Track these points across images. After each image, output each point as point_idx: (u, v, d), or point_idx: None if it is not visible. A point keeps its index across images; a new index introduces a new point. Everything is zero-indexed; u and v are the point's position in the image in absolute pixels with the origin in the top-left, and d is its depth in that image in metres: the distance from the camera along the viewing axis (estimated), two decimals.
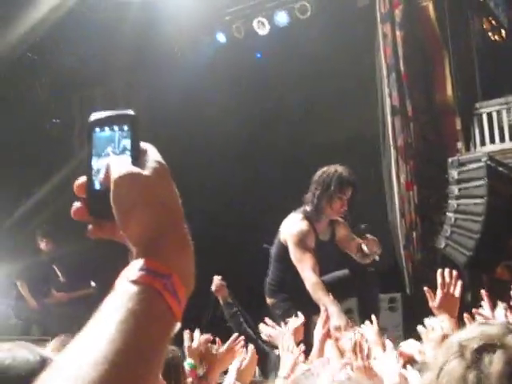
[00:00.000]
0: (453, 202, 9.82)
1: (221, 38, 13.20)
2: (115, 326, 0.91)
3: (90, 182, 1.09)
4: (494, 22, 15.11)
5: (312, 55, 12.55)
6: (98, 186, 1.08)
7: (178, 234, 1.03)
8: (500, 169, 10.73)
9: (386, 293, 9.81)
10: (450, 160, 11.51)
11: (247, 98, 13.64)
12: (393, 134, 11.28)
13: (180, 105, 13.06)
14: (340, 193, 6.17)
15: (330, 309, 5.39)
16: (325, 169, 6.46)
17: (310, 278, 5.87)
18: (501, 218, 9.86)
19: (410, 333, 5.38)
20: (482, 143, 11.52)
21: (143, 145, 1.10)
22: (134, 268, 0.98)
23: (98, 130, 1.11)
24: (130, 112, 1.12)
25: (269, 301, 6.54)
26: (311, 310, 5.71)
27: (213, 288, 6.54)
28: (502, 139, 11.94)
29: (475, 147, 11.66)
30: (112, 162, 1.06)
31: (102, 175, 1.07)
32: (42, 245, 10.93)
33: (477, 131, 12.16)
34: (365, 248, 6.14)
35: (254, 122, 13.94)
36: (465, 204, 9.61)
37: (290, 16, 12.38)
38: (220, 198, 13.64)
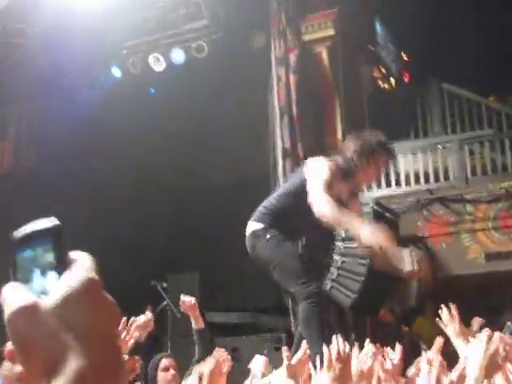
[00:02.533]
0: (339, 245, 9.97)
1: (116, 72, 13.11)
2: None
3: None
4: (384, 70, 15.58)
5: (206, 94, 12.61)
6: None
7: (79, 364, 0.90)
8: (386, 214, 11.02)
9: (272, 332, 9.89)
10: None
11: (141, 133, 13.58)
12: (283, 176, 11.42)
13: (73, 137, 12.87)
14: (382, 160, 5.85)
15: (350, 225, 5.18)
16: (363, 132, 6.25)
17: (330, 212, 5.27)
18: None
19: None
20: (369, 188, 11.78)
21: (74, 255, 0.99)
22: None
23: (20, 250, 1.00)
24: (53, 223, 1.01)
25: (254, 225, 6.00)
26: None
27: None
28: (389, 185, 12.25)
29: (363, 192, 11.92)
30: (3, 294, 0.95)
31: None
32: None
33: None
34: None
35: (148, 158, 13.88)
36: (351, 247, 9.77)
37: (186, 54, 12.43)
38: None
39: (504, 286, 12.57)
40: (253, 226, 5.99)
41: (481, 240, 11.78)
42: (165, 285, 10.97)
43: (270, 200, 6.08)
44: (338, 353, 3.40)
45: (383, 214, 10.88)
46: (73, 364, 0.88)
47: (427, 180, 12.33)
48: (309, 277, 5.74)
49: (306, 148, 11.74)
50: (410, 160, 12.52)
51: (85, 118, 12.69)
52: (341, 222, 5.26)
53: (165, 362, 6.21)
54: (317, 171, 5.60)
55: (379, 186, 12.17)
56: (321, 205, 5.34)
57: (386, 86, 15.72)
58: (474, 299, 13.48)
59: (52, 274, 0.98)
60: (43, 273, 0.99)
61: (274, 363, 6.72)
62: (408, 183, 12.38)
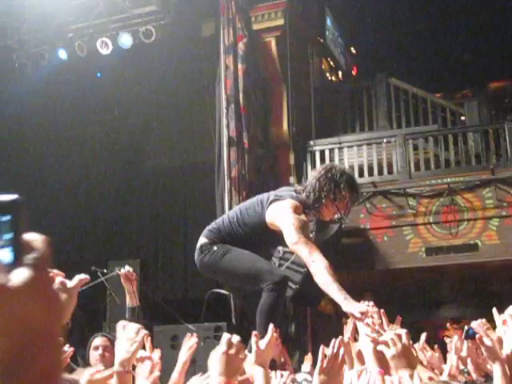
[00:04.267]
0: None
1: (62, 54, 12.92)
2: None
3: None
4: (332, 63, 15.64)
5: (154, 79, 12.52)
6: None
7: (41, 366, 0.89)
8: None
9: (212, 321, 9.86)
10: None
11: (86, 117, 13.44)
12: (228, 165, 11.40)
13: (14, 118, 12.69)
14: (346, 195, 5.63)
15: (342, 300, 4.84)
16: (329, 166, 5.87)
17: (320, 259, 5.11)
18: (326, 253, 10.12)
19: None
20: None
21: (30, 236, 0.96)
22: None
23: None
24: (13, 199, 0.97)
25: (202, 240, 5.84)
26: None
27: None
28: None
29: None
30: None
31: None
32: None
33: (309, 167, 12.49)
34: None
35: (91, 142, 13.76)
36: None
37: (134, 39, 12.30)
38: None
39: (443, 280, 12.76)
40: (200, 241, 5.92)
41: (422, 234, 11.92)
42: (105, 270, 10.83)
43: (222, 221, 6.01)
44: (331, 359, 3.37)
45: None
46: (27, 366, 0.86)
47: (371, 173, 12.43)
48: (269, 267, 5.78)
49: (251, 137, 11.73)
50: (355, 153, 12.60)
51: (30, 97, 12.50)
52: (327, 284, 5.01)
53: (96, 341, 6.14)
54: (290, 218, 5.43)
55: None
56: (313, 259, 5.15)
57: (334, 78, 15.79)
58: (414, 292, 13.67)
59: (6, 252, 0.94)
60: None
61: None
62: None
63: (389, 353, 3.13)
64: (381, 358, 3.37)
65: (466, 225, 11.75)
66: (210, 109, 12.32)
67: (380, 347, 3.21)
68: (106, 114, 13.91)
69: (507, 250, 11.42)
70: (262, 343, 3.61)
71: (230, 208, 11.19)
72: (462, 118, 13.84)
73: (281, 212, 5.58)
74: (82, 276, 2.66)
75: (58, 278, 2.44)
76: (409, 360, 3.11)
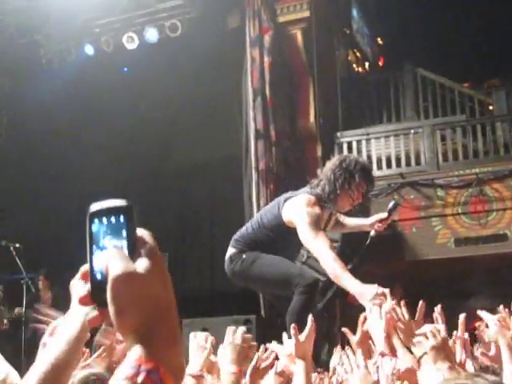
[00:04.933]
0: None
1: (89, 50, 12.98)
2: None
3: (91, 272, 1.20)
4: (358, 54, 15.58)
5: (180, 74, 12.51)
6: (99, 277, 1.18)
7: (167, 329, 1.14)
8: None
9: (242, 314, 9.87)
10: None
11: (113, 112, 13.48)
12: (255, 157, 11.39)
13: (43, 114, 12.77)
14: (361, 184, 5.70)
15: (353, 287, 4.93)
16: (343, 157, 5.98)
17: (326, 254, 5.24)
18: (355, 245, 10.11)
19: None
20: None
21: (139, 232, 1.20)
22: (128, 365, 1.10)
23: (96, 220, 1.20)
24: (126, 203, 1.21)
25: (230, 251, 6.00)
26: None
27: None
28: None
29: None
30: (110, 259, 1.15)
31: (103, 270, 1.16)
32: None
33: None
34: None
35: (119, 137, 13.79)
36: None
37: (160, 33, 12.33)
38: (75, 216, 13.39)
39: (472, 271, 12.67)
40: (229, 251, 6.02)
41: (450, 225, 11.85)
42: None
43: (246, 229, 6.12)
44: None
45: None
46: (153, 332, 1.12)
47: (399, 164, 12.38)
48: (300, 270, 5.80)
49: (278, 130, 11.72)
50: (382, 144, 12.56)
51: (57, 92, 12.56)
52: (337, 275, 5.10)
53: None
54: (302, 214, 5.52)
55: None
56: (321, 254, 5.29)
57: (360, 69, 15.72)
58: (443, 284, 13.60)
59: (124, 245, 1.17)
60: (114, 245, 1.18)
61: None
62: (380, 167, 12.42)
63: (428, 344, 3.13)
64: (390, 342, 3.42)
65: (495, 215, 11.67)
66: (236, 102, 12.31)
67: (417, 339, 3.21)
68: (132, 109, 13.94)
69: None
70: (302, 336, 3.63)
71: (258, 201, 11.21)
72: (490, 107, 13.74)
73: (295, 209, 5.66)
74: None
75: None
76: (446, 353, 3.11)
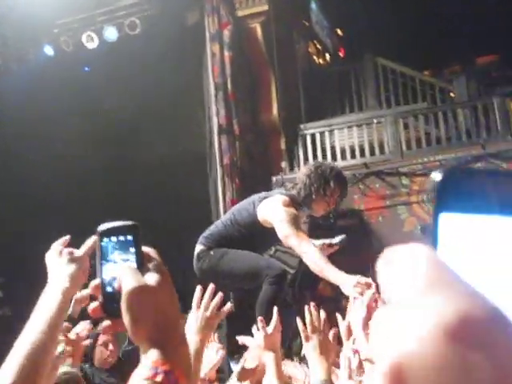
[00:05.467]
0: None
1: (48, 50, 12.89)
2: None
3: (102, 285, 1.31)
4: (319, 46, 15.62)
5: (141, 71, 12.47)
6: (109, 289, 1.30)
7: (177, 335, 1.28)
8: None
9: None
10: (274, 178, 11.80)
11: (75, 112, 13.39)
12: (219, 152, 11.41)
13: (4, 117, 12.65)
14: (336, 190, 5.75)
15: (339, 278, 4.88)
16: (318, 163, 6.07)
17: (309, 250, 5.24)
18: (321, 236, 10.14)
19: (233, 346, 5.43)
20: (305, 163, 11.82)
21: (145, 249, 1.33)
22: (145, 368, 1.21)
23: (105, 239, 1.33)
24: (133, 224, 1.35)
25: (198, 248, 5.97)
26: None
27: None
28: (325, 159, 12.32)
29: (299, 167, 11.94)
30: (122, 274, 1.27)
31: (115, 284, 1.28)
32: None
33: (300, 151, 12.49)
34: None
35: (81, 136, 13.70)
36: None
37: (119, 31, 12.28)
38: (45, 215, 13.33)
39: None
40: (197, 249, 6.01)
41: (416, 212, 11.92)
42: None
43: (216, 226, 6.14)
44: (312, 323, 3.57)
45: None
46: (165, 339, 1.24)
47: (363, 154, 12.43)
48: (268, 262, 5.81)
49: (241, 124, 11.73)
50: (346, 134, 12.60)
51: (17, 95, 12.45)
52: (322, 268, 5.10)
53: (104, 336, 6.12)
54: (280, 212, 5.55)
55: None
56: (304, 250, 5.28)
57: (321, 61, 15.76)
58: None
59: (133, 261, 1.30)
60: (123, 260, 1.30)
61: None
62: (344, 157, 12.47)
63: None
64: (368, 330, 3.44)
65: None
66: (198, 97, 12.30)
67: None
68: (95, 109, 13.85)
69: None
70: (269, 328, 3.64)
71: (224, 196, 11.22)
72: (451, 94, 13.85)
73: (271, 207, 5.68)
74: (92, 239, 2.41)
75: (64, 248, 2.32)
76: None
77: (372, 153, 12.41)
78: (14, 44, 12.78)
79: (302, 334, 3.57)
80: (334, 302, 12.64)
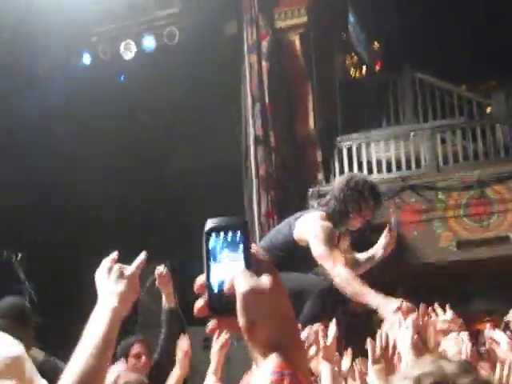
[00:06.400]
0: None
1: (86, 58, 12.97)
2: None
3: (209, 284, 1.25)
4: (356, 58, 15.58)
5: (177, 81, 12.50)
6: (216, 289, 1.25)
7: (295, 337, 1.25)
8: None
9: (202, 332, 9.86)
10: (310, 191, 11.76)
11: (110, 122, 13.44)
12: (255, 164, 11.39)
13: (39, 124, 12.75)
14: (371, 203, 5.63)
15: (377, 301, 4.77)
16: (349, 176, 5.93)
17: (342, 272, 5.12)
18: (356, 250, 10.08)
19: None
20: (341, 175, 11.78)
21: (252, 247, 1.27)
22: (268, 371, 1.18)
23: (214, 235, 1.26)
24: (243, 219, 1.28)
25: None
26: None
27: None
28: (360, 172, 12.28)
29: (335, 179, 11.91)
30: (236, 276, 1.23)
31: (227, 285, 1.23)
32: None
33: (337, 164, 12.45)
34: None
35: (115, 145, 13.75)
36: None
37: (157, 41, 12.32)
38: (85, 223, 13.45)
39: (474, 273, 12.64)
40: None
41: (452, 227, 11.83)
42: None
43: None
44: (383, 348, 3.53)
45: None
46: (284, 342, 1.20)
47: (399, 167, 12.36)
48: (308, 279, 5.70)
49: (277, 135, 11.72)
50: (382, 148, 12.54)
51: (55, 102, 12.55)
52: (358, 293, 4.98)
53: (136, 347, 6.08)
54: (316, 227, 5.43)
55: None
56: (336, 273, 5.14)
57: (358, 73, 15.73)
58: (445, 286, 13.57)
59: (240, 263, 1.24)
60: (231, 259, 1.25)
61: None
62: (380, 171, 12.41)
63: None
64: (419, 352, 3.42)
65: (497, 217, 11.64)
66: (235, 109, 12.30)
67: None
68: (130, 118, 13.90)
69: None
70: (329, 339, 3.65)
71: (259, 208, 11.20)
72: (488, 109, 13.75)
73: (307, 225, 5.57)
74: (142, 255, 2.41)
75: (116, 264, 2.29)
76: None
77: (408, 167, 12.35)
78: (54, 50, 12.87)
79: (370, 355, 3.52)
80: (366, 314, 12.61)
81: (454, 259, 11.78)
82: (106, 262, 2.31)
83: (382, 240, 6.15)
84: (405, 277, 12.40)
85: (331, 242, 5.39)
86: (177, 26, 12.17)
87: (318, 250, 5.34)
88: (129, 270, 2.29)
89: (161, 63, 12.52)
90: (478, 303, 14.27)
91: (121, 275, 2.25)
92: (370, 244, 11.44)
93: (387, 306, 4.66)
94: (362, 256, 6.30)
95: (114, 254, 2.36)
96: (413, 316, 3.68)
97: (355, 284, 5.02)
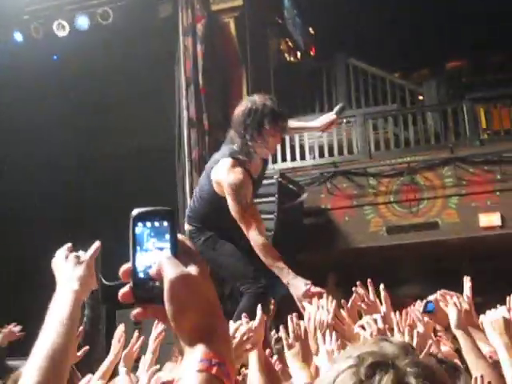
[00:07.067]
0: None
1: (18, 36, 12.72)
2: None
3: (134, 271, 1.27)
4: (290, 43, 15.60)
5: (111, 62, 12.34)
6: (141, 275, 1.26)
7: (222, 326, 1.27)
8: (290, 186, 11.10)
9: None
10: None
11: (43, 100, 13.21)
12: (188, 147, 11.35)
13: None
14: (275, 130, 5.54)
15: (287, 278, 4.92)
16: (249, 104, 5.74)
17: (256, 239, 5.18)
18: (289, 234, 10.17)
19: None
20: (274, 161, 11.81)
21: (179, 237, 1.29)
22: (196, 359, 1.19)
23: (140, 224, 1.27)
24: (169, 209, 1.30)
25: (187, 227, 5.89)
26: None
27: None
28: (294, 158, 12.34)
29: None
30: (163, 264, 1.24)
31: (153, 270, 1.24)
32: None
33: None
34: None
35: (47, 126, 13.52)
36: None
37: (90, 20, 12.15)
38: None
39: (404, 258, 12.84)
40: (186, 227, 5.93)
41: (383, 213, 11.98)
42: None
43: (192, 205, 6.04)
44: (296, 332, 3.62)
45: (287, 186, 10.94)
46: (211, 331, 1.23)
47: (331, 153, 12.45)
48: (253, 273, 5.65)
49: (211, 119, 11.67)
50: (315, 133, 12.59)
51: None
52: (271, 267, 5.09)
53: None
54: (229, 189, 5.40)
55: (284, 158, 12.24)
56: (251, 237, 5.24)
57: (293, 59, 15.76)
58: (375, 272, 13.75)
59: (166, 251, 1.26)
60: (159, 248, 1.26)
61: None
62: (313, 156, 12.48)
63: (366, 334, 3.25)
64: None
65: (426, 203, 11.83)
66: (168, 91, 12.21)
67: (357, 329, 3.33)
68: (62, 98, 13.67)
69: (467, 227, 11.54)
70: (254, 323, 3.68)
71: (191, 191, 11.16)
72: (421, 97, 13.94)
73: (221, 178, 5.52)
74: (97, 244, 2.49)
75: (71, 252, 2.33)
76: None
77: (341, 152, 12.44)
78: None
79: (284, 342, 3.62)
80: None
81: (384, 244, 11.93)
82: (62, 251, 2.35)
83: (325, 118, 6.16)
84: (336, 261, 12.54)
85: (243, 199, 5.36)
86: (111, 5, 12.02)
87: (232, 210, 5.37)
88: (85, 255, 2.35)
89: (94, 42, 12.33)
90: (406, 288, 14.52)
91: (78, 261, 2.30)
92: (304, 228, 11.57)
93: (297, 289, 4.77)
94: (298, 124, 6.37)
95: (69, 244, 2.41)
96: (333, 302, 3.81)
97: (268, 255, 5.11)
